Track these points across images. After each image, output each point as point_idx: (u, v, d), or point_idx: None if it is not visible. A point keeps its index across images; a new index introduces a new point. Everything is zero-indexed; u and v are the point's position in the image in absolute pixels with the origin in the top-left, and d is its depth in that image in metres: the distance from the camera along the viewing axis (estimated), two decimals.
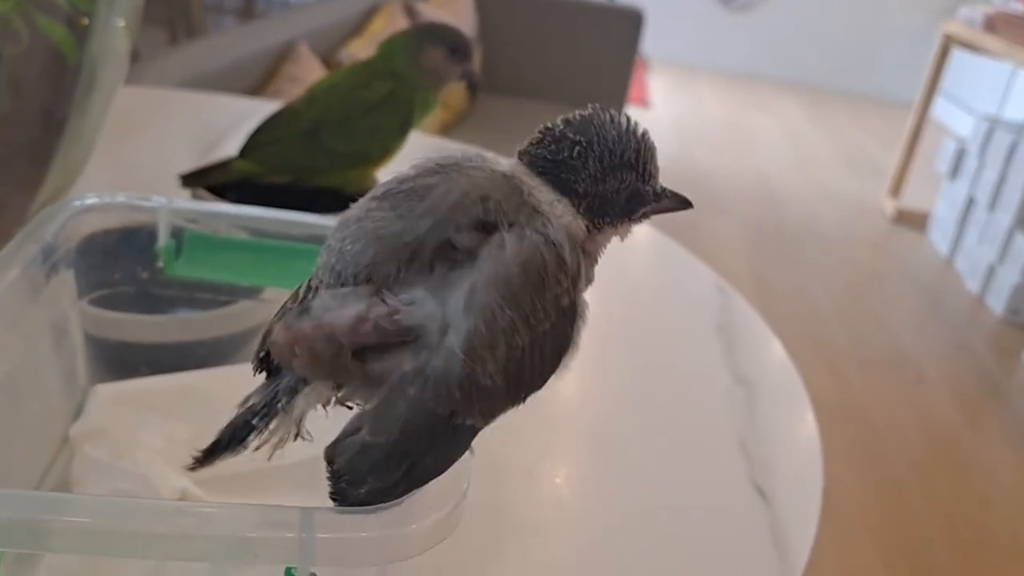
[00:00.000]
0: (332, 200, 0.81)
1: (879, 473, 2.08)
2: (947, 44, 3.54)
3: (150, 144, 1.07)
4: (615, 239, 0.41)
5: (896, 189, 3.76)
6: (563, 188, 0.39)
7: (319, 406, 0.38)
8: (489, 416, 0.36)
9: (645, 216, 0.41)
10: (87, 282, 0.54)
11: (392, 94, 0.79)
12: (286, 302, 0.40)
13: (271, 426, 0.38)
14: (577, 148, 0.38)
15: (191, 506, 0.35)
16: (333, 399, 0.38)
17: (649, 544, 0.57)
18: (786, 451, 0.68)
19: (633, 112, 3.30)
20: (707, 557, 0.57)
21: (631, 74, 3.11)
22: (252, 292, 0.62)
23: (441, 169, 0.39)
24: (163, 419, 0.53)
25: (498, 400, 0.36)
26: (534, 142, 0.40)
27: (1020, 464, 2.25)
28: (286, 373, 0.38)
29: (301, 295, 0.39)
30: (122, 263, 0.55)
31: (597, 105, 0.40)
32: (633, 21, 3.06)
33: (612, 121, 0.39)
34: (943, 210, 3.45)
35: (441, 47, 0.79)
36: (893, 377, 2.55)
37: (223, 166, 0.81)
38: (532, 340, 0.35)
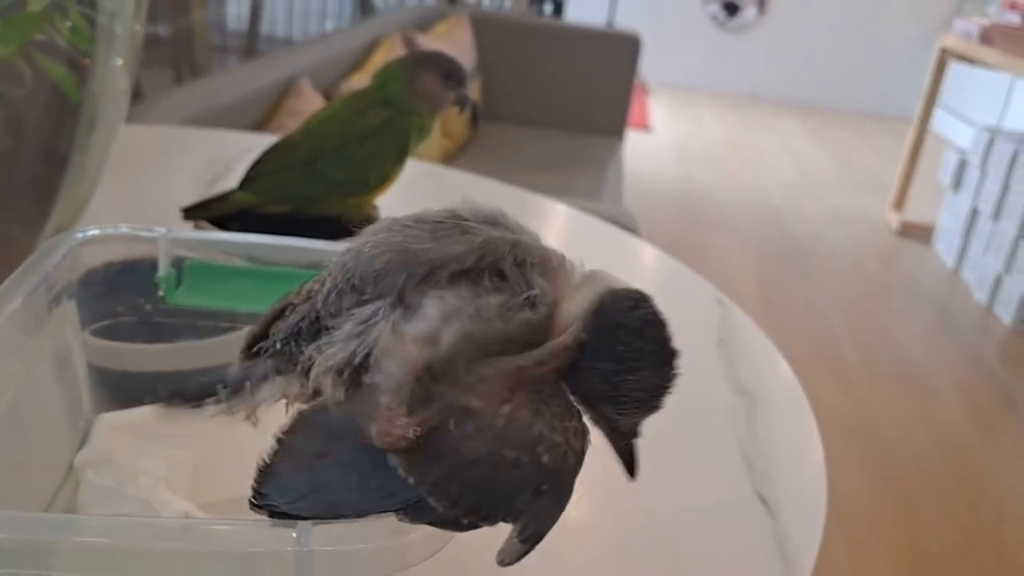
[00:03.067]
0: (331, 228, 0.82)
1: (893, 488, 2.07)
2: (944, 58, 3.56)
3: (154, 180, 1.08)
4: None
5: (899, 203, 3.77)
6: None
7: (283, 401, 0.40)
8: (399, 456, 0.33)
9: None
10: (89, 313, 0.55)
11: (388, 121, 0.80)
12: (289, 295, 0.41)
13: (231, 401, 0.40)
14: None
15: (192, 523, 0.35)
16: (296, 398, 0.39)
17: (654, 555, 0.57)
18: (790, 461, 0.68)
19: (634, 136, 3.31)
20: (712, 569, 0.57)
21: (630, 99, 3.13)
22: (252, 319, 0.62)
23: (496, 221, 0.39)
24: (165, 446, 0.53)
25: (410, 453, 0.33)
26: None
27: None
28: (263, 361, 0.40)
29: (306, 292, 0.40)
30: (124, 294, 0.56)
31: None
32: (631, 46, 3.09)
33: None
34: (947, 222, 3.45)
35: (435, 72, 0.80)
36: (904, 390, 2.54)
37: (223, 198, 0.82)
38: (491, 432, 0.33)
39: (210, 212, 0.81)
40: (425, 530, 0.34)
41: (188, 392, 0.40)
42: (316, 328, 0.39)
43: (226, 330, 0.61)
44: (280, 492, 0.36)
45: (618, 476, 0.41)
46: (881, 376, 2.60)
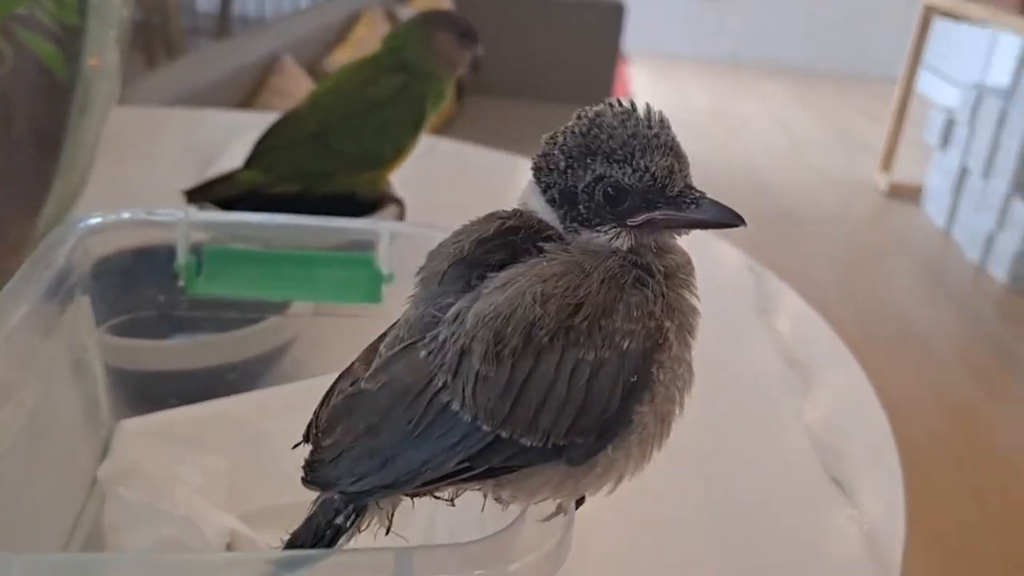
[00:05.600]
0: (345, 208, 0.77)
1: (901, 450, 2.05)
2: (928, 15, 3.53)
3: (145, 163, 1.02)
4: None
5: (887, 164, 3.74)
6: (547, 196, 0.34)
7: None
8: (480, 412, 0.31)
9: (656, 226, 0.33)
10: (104, 308, 0.50)
11: (403, 87, 0.74)
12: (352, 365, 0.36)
13: (362, 524, 0.35)
14: (547, 138, 0.34)
15: (273, 556, 0.30)
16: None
17: (730, 543, 0.52)
18: (857, 437, 0.64)
19: None
20: (792, 556, 0.53)
21: (615, 67, 3.07)
22: (279, 307, 0.57)
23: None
24: (198, 452, 0.48)
25: (492, 397, 0.31)
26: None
27: None
28: None
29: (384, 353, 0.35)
30: (140, 285, 0.51)
31: (614, 99, 0.34)
32: (614, 14, 3.03)
33: (609, 110, 0.33)
34: (936, 181, 3.43)
35: (451, 32, 0.75)
36: (902, 353, 2.52)
37: (228, 178, 0.76)
38: (562, 358, 0.30)
39: (215, 194, 0.75)
40: (535, 555, 0.29)
41: (303, 545, 0.35)
42: None
43: (253, 321, 0.56)
44: (340, 475, 0.33)
45: (678, 458, 0.36)
46: (878, 340, 2.58)
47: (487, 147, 1.24)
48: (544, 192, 0.34)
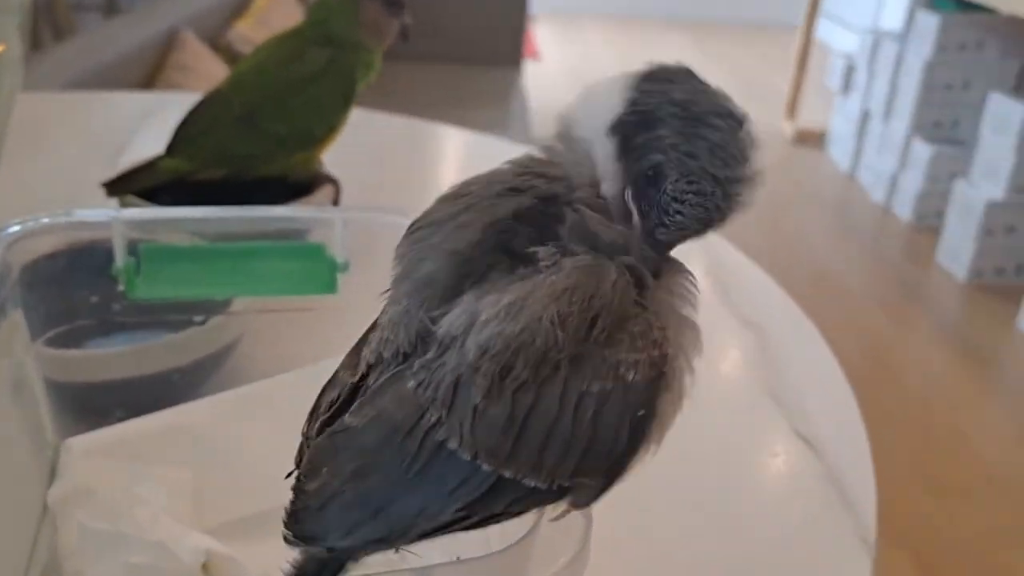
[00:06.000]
0: (276, 191, 0.73)
1: None
2: None
3: (49, 155, 0.95)
4: None
5: (792, 111, 3.82)
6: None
7: None
8: (480, 451, 0.29)
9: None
10: (39, 320, 0.46)
11: (332, 62, 0.71)
12: (337, 373, 0.33)
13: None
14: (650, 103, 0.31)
15: None
16: None
17: (707, 509, 0.52)
18: (817, 394, 0.64)
19: (525, 65, 3.24)
20: (770, 516, 0.53)
21: (525, 24, 3.04)
22: (221, 306, 0.54)
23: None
24: (156, 468, 0.45)
25: (493, 433, 0.28)
26: None
27: (949, 359, 2.32)
28: None
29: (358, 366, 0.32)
30: (75, 292, 0.47)
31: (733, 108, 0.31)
32: None
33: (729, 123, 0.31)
34: (839, 126, 3.52)
35: (378, 0, 0.71)
36: (819, 293, 2.59)
37: (149, 167, 0.72)
38: (565, 390, 0.28)
39: (137, 185, 0.70)
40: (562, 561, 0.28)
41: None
42: None
43: (195, 321, 0.52)
44: (328, 528, 0.30)
45: None
46: (796, 282, 2.64)
47: (403, 114, 1.21)
48: (624, 153, 0.31)
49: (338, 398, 0.32)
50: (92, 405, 0.50)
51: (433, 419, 0.29)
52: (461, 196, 0.32)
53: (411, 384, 0.29)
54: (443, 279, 0.30)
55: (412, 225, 0.33)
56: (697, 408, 0.32)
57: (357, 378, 0.32)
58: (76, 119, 1.10)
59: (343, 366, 0.34)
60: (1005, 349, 2.44)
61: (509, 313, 0.28)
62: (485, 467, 0.28)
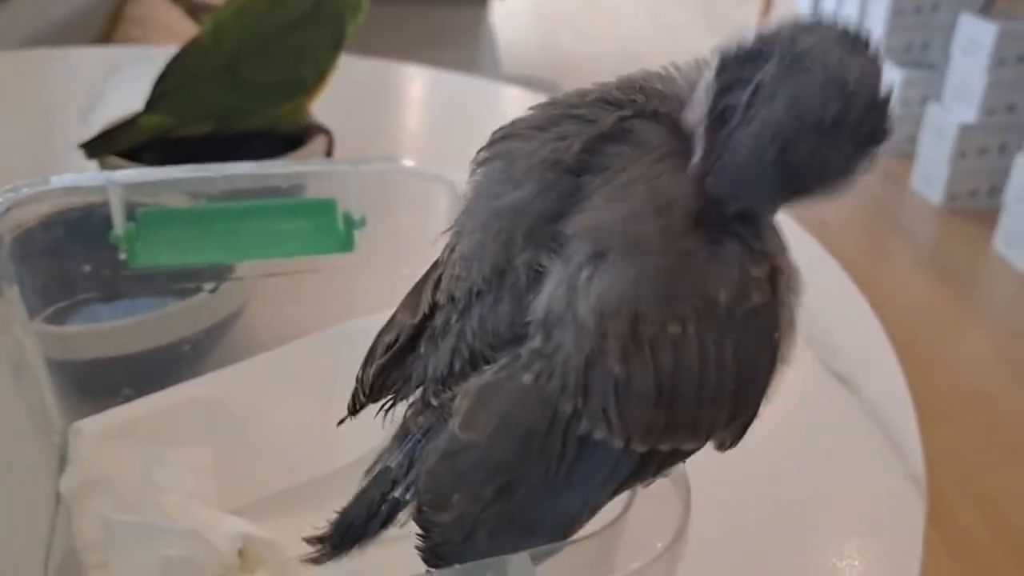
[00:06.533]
0: (265, 145, 0.69)
1: None
2: None
3: (13, 117, 0.90)
4: None
5: None
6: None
7: None
8: (634, 433, 0.25)
9: None
10: (36, 296, 0.42)
11: (318, 4, 0.66)
12: (395, 317, 0.30)
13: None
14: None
15: None
16: None
17: (749, 452, 0.50)
18: (847, 328, 0.62)
19: (492, 4, 3.16)
20: (816, 461, 0.51)
21: None
22: (229, 271, 0.50)
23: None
24: (177, 449, 0.42)
25: (644, 408, 0.25)
26: None
27: (926, 284, 2.34)
28: (424, 424, 0.28)
29: (420, 306, 0.29)
30: (71, 264, 0.43)
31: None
32: None
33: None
34: None
35: None
36: (795, 222, 2.59)
37: (129, 125, 0.67)
38: (701, 329, 0.25)
39: (117, 144, 0.66)
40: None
41: (357, 522, 0.29)
42: (474, 360, 0.28)
43: (198, 289, 0.49)
44: (478, 556, 0.26)
45: None
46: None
47: (371, 57, 1.16)
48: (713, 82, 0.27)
49: (396, 340, 0.29)
50: (98, 383, 0.46)
51: (568, 411, 0.25)
52: (554, 105, 0.28)
53: (527, 378, 0.25)
54: (531, 207, 0.26)
55: (493, 135, 0.28)
56: None
57: (419, 319, 0.29)
58: (36, 78, 1.04)
59: (401, 307, 0.30)
60: (981, 271, 2.46)
61: (613, 261, 0.24)
62: (639, 448, 0.25)
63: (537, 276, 0.26)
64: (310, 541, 0.29)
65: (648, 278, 0.25)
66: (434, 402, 0.28)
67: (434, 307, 0.29)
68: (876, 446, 0.51)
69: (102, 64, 1.05)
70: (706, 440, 0.27)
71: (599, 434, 0.25)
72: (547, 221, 0.26)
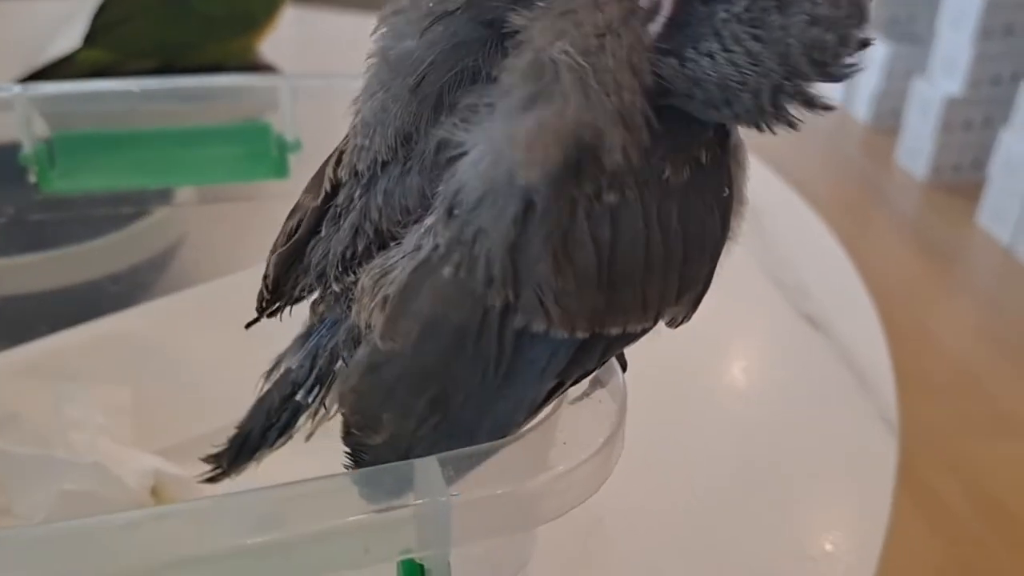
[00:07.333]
0: None
1: None
2: None
3: None
4: None
5: None
6: None
7: None
8: (577, 320, 0.22)
9: None
10: None
11: None
12: (301, 200, 0.27)
13: (328, 399, 0.25)
14: None
15: (259, 497, 0.22)
16: None
17: (719, 400, 0.48)
18: (822, 276, 0.59)
19: None
20: (787, 402, 0.48)
21: None
22: (161, 197, 0.47)
23: None
24: (92, 386, 0.39)
25: (585, 291, 0.22)
26: None
27: (911, 258, 2.33)
28: (327, 315, 0.25)
29: (322, 187, 0.26)
30: None
31: None
32: None
33: None
34: None
35: None
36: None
37: (67, 61, 0.63)
38: (637, 194, 0.22)
39: (53, 80, 0.62)
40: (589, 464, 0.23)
41: (255, 430, 0.26)
42: (380, 239, 0.25)
43: (132, 218, 0.45)
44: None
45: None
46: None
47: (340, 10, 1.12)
48: None
49: (298, 226, 0.26)
50: (12, 322, 0.43)
51: (499, 305, 0.22)
52: None
53: (447, 272, 0.22)
54: (428, 60, 0.23)
55: (387, 6, 0.25)
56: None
57: (320, 200, 0.26)
58: None
59: (305, 191, 0.27)
60: (966, 245, 2.45)
61: (535, 117, 0.20)
62: (582, 335, 0.22)
63: (449, 144, 0.22)
64: (207, 460, 0.26)
65: (578, 133, 0.21)
66: (336, 287, 0.25)
67: (337, 185, 0.26)
68: (848, 388, 0.48)
69: (54, 12, 1.01)
70: (656, 319, 0.23)
71: (538, 327, 0.22)
72: (460, 77, 0.23)
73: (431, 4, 0.23)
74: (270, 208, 0.46)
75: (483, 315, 0.22)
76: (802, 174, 2.72)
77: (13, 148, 0.41)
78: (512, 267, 0.21)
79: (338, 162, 0.26)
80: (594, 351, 0.23)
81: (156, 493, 0.34)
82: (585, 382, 0.25)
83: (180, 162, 0.43)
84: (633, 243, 0.22)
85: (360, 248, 0.25)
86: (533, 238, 0.21)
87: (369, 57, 0.25)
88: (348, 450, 0.24)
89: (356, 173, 0.25)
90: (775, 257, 0.60)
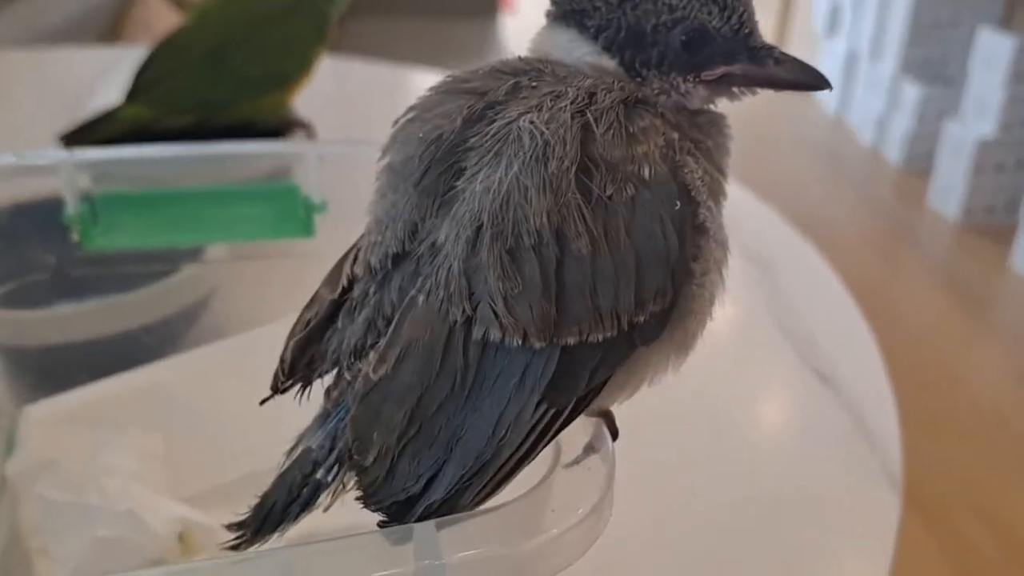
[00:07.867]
0: (245, 139, 0.68)
1: None
2: None
3: (3, 112, 0.90)
4: None
5: None
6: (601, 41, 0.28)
7: None
8: (529, 328, 0.24)
9: (734, 82, 0.28)
10: None
11: None
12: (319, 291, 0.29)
13: (346, 476, 0.27)
14: None
15: (253, 561, 0.24)
16: None
17: (723, 449, 0.49)
18: (832, 329, 0.60)
19: (502, 19, 3.17)
20: (791, 457, 0.49)
21: None
22: (193, 254, 0.50)
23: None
24: (123, 434, 0.41)
25: (531, 301, 0.24)
26: None
27: (943, 301, 2.31)
28: (341, 399, 0.27)
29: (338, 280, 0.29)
30: (24, 246, 0.43)
31: None
32: None
33: None
34: (826, 67, 3.45)
35: None
36: (810, 240, 2.56)
37: (108, 117, 0.67)
38: (584, 213, 0.24)
39: (96, 135, 0.65)
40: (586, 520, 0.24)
41: (278, 505, 0.28)
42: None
43: (164, 274, 0.48)
44: (406, 482, 0.26)
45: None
46: None
47: (372, 61, 1.16)
48: (595, 37, 0.27)
49: (316, 316, 0.28)
50: (52, 371, 0.45)
51: (460, 318, 0.25)
52: (450, 80, 0.28)
53: (420, 300, 0.25)
54: (424, 162, 0.26)
55: (398, 118, 0.28)
56: (705, 343, 0.28)
57: (338, 293, 0.28)
58: (33, 76, 1.05)
59: (323, 284, 0.30)
60: (998, 289, 2.42)
61: (491, 163, 0.25)
62: (537, 343, 0.24)
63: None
64: (231, 528, 0.28)
65: (529, 176, 0.24)
66: (347, 376, 0.27)
67: (353, 280, 0.28)
68: (854, 443, 0.49)
69: (99, 63, 1.05)
70: (617, 328, 0.25)
71: (494, 335, 0.24)
72: (442, 178, 0.26)
73: (420, 135, 0.27)
74: (296, 265, 0.48)
75: (449, 330, 0.25)
76: (834, 216, 2.71)
77: (55, 203, 0.43)
78: (467, 282, 0.24)
79: (355, 259, 0.28)
80: (577, 371, 0.25)
81: (183, 540, 0.36)
82: (579, 447, 0.27)
83: (212, 220, 0.46)
84: (578, 259, 0.24)
85: (370, 341, 0.27)
86: (484, 254, 0.24)
87: (379, 172, 0.27)
88: (355, 478, 0.27)
89: (371, 269, 0.27)
90: (786, 308, 0.61)
